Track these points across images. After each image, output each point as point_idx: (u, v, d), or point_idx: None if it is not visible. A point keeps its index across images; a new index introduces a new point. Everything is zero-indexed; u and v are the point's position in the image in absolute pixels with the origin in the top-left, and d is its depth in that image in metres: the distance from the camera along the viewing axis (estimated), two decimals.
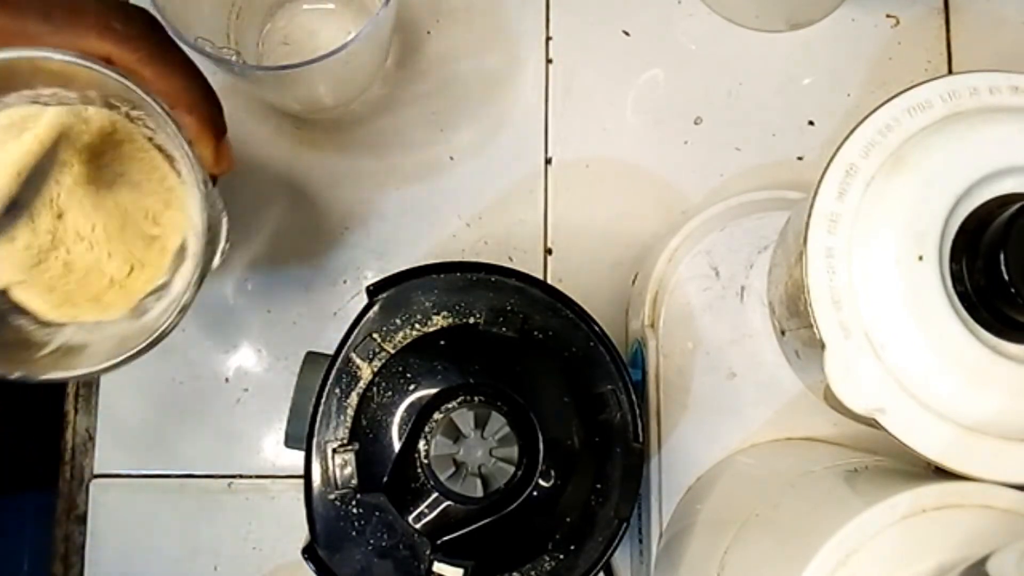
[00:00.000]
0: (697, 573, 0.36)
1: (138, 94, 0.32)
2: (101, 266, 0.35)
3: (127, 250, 0.35)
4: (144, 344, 0.32)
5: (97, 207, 0.34)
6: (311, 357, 0.36)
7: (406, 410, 0.34)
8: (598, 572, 0.35)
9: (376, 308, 0.35)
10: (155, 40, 0.33)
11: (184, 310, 0.33)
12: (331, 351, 0.35)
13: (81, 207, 0.34)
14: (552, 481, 0.34)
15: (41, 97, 0.33)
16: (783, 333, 0.36)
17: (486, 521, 0.33)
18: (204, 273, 0.33)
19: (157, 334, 0.32)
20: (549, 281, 0.46)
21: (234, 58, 0.45)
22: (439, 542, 0.33)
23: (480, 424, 0.33)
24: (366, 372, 0.35)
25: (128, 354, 0.32)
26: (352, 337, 0.35)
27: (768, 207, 0.42)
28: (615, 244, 0.48)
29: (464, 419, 0.33)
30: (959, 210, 0.29)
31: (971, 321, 0.28)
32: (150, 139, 0.35)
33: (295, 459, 0.35)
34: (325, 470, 0.34)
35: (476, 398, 0.34)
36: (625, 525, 0.34)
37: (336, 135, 0.48)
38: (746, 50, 0.49)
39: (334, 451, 0.34)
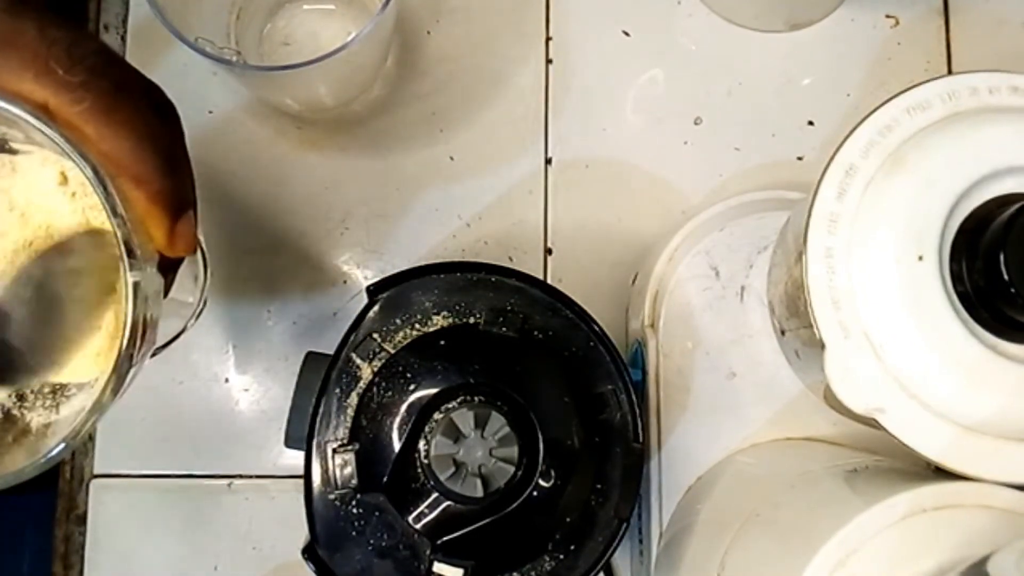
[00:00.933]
0: (697, 573, 0.36)
1: (75, 159, 0.25)
2: None
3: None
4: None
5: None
6: (311, 357, 0.36)
7: (406, 410, 0.34)
8: (598, 572, 0.35)
9: (376, 308, 0.35)
10: (104, 87, 0.27)
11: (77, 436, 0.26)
12: (331, 351, 0.35)
13: None
14: (552, 481, 0.34)
15: None
16: (783, 333, 0.36)
17: (486, 521, 0.33)
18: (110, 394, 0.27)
19: (43, 460, 0.26)
20: (549, 281, 0.46)
21: (234, 58, 0.45)
22: (439, 542, 0.33)
23: (480, 424, 0.33)
24: (366, 372, 0.35)
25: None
26: (352, 337, 0.35)
27: (768, 207, 0.42)
28: (615, 244, 0.48)
29: (464, 419, 0.33)
30: (959, 210, 0.29)
31: (971, 321, 0.28)
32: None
33: (295, 459, 0.35)
34: (325, 470, 0.34)
35: (476, 398, 0.34)
36: (625, 525, 0.35)
37: (336, 135, 0.48)
38: (746, 50, 0.49)
39: (334, 451, 0.34)
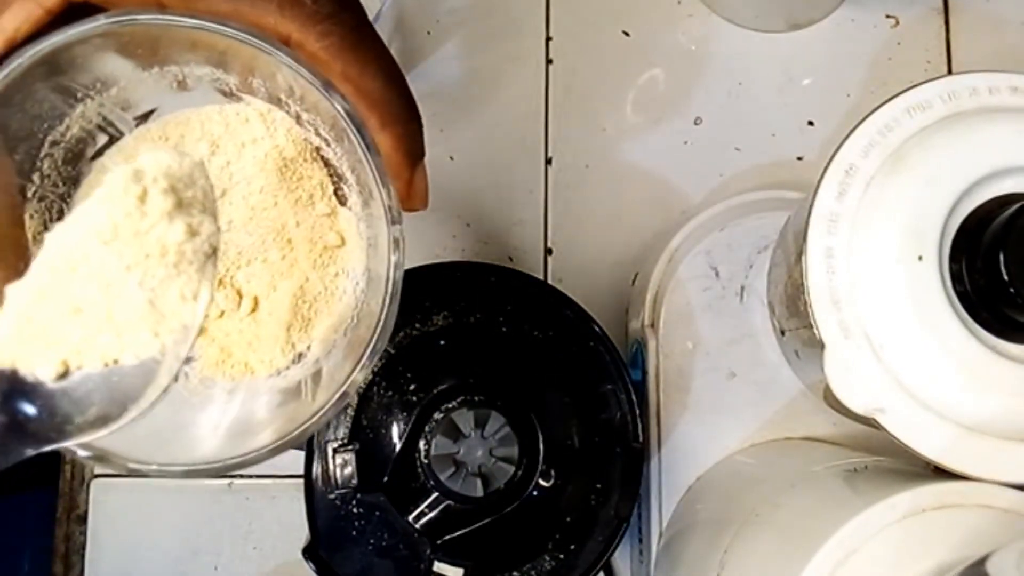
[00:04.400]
0: (697, 573, 0.36)
1: (323, 93, 0.23)
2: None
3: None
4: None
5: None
6: None
7: (406, 410, 0.34)
8: (598, 572, 0.35)
9: None
10: (351, 23, 0.25)
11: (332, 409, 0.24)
12: None
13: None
14: (552, 481, 0.34)
15: (189, 78, 0.26)
16: (783, 333, 0.36)
17: (486, 521, 0.33)
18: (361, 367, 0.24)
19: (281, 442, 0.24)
20: (549, 281, 0.46)
21: None
22: (439, 542, 0.33)
23: (480, 424, 0.33)
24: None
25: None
26: None
27: (768, 207, 0.42)
28: (615, 244, 0.48)
29: (464, 419, 0.33)
30: (959, 210, 0.29)
31: (971, 321, 0.28)
32: (318, 151, 0.27)
33: (295, 459, 0.35)
34: (326, 470, 0.34)
35: (476, 398, 0.34)
36: (625, 525, 0.35)
37: None
38: (746, 50, 0.49)
39: (334, 451, 0.34)
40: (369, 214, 0.26)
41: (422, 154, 0.28)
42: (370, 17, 0.38)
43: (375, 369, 0.35)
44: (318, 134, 0.26)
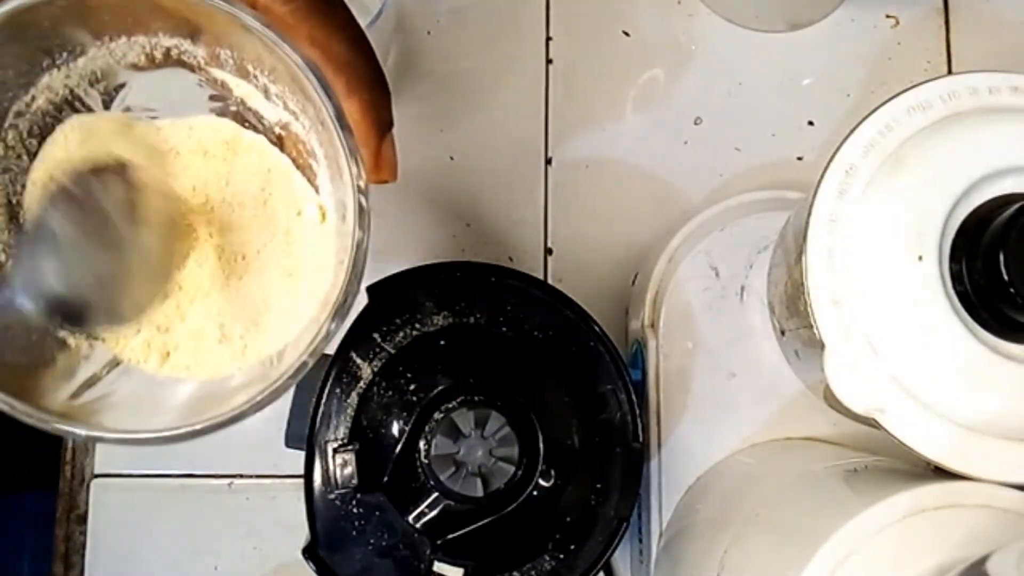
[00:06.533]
0: (697, 573, 0.36)
1: (290, 58, 0.23)
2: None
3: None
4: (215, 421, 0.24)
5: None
6: None
7: (406, 410, 0.34)
8: (598, 572, 0.35)
9: (376, 308, 0.35)
10: None
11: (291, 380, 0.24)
12: (331, 351, 0.35)
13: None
14: (552, 481, 0.34)
15: (157, 49, 0.25)
16: (783, 333, 0.36)
17: (486, 521, 0.33)
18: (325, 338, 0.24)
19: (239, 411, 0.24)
20: (549, 281, 0.46)
21: None
22: (439, 542, 0.33)
23: (480, 424, 0.33)
24: (366, 372, 0.35)
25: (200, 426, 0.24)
26: (352, 337, 0.35)
27: (768, 207, 0.42)
28: (615, 244, 0.48)
29: (464, 419, 0.33)
30: (959, 210, 0.29)
31: (971, 321, 0.28)
32: (283, 126, 0.27)
33: (295, 459, 0.35)
34: (325, 470, 0.34)
35: (476, 398, 0.34)
36: (625, 525, 0.35)
37: None
38: (746, 50, 0.49)
39: (334, 451, 0.34)
40: (338, 188, 0.25)
41: (390, 124, 0.27)
42: (370, 17, 0.38)
43: (375, 369, 0.35)
44: (287, 108, 0.26)
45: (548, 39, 0.49)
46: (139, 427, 0.24)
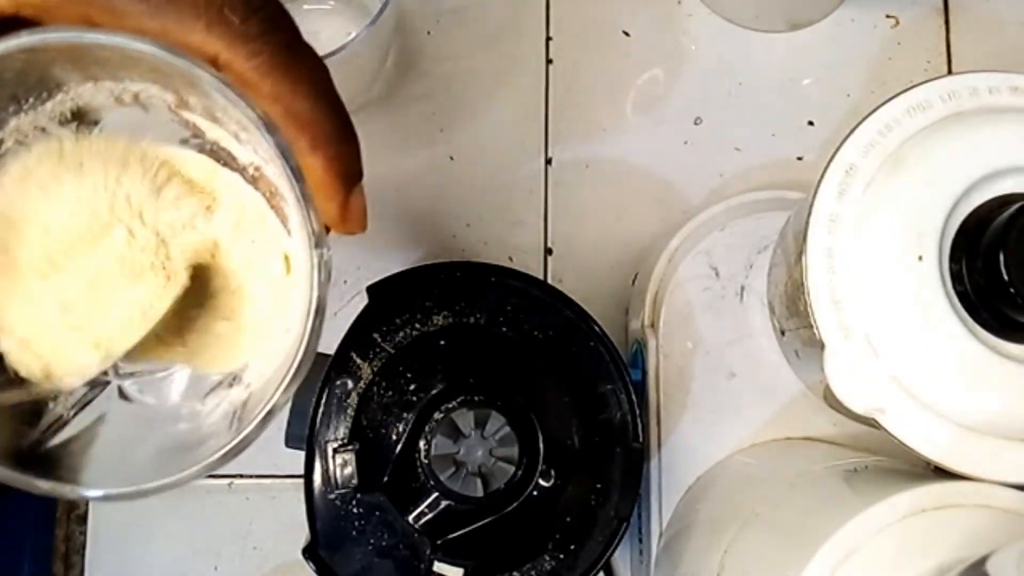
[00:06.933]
0: (697, 573, 0.36)
1: (251, 115, 0.22)
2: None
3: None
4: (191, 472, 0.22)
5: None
6: None
7: (406, 410, 0.34)
8: (598, 572, 0.35)
9: (376, 308, 0.35)
10: (282, 42, 0.24)
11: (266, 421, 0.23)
12: (331, 351, 0.35)
13: None
14: (552, 481, 0.34)
15: (125, 93, 0.25)
16: (783, 333, 0.36)
17: (486, 521, 0.33)
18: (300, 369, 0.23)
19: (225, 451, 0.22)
20: (549, 281, 0.46)
21: None
22: (439, 542, 0.33)
23: (480, 424, 0.33)
24: (366, 372, 0.35)
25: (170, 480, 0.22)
26: (352, 337, 0.35)
27: (768, 207, 0.42)
28: (615, 244, 0.48)
29: (464, 419, 0.33)
30: (959, 210, 0.29)
31: (971, 321, 0.28)
32: (255, 168, 0.26)
33: (295, 459, 0.35)
34: (325, 470, 0.34)
35: (476, 398, 0.34)
36: (625, 525, 0.35)
37: None
38: (746, 50, 0.49)
39: (334, 451, 0.34)
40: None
41: (359, 176, 0.27)
42: (370, 17, 0.38)
43: (375, 369, 0.35)
44: (256, 152, 0.25)
45: (548, 39, 0.49)
46: (107, 478, 0.23)
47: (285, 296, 0.27)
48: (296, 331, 0.24)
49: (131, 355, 0.27)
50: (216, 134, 0.26)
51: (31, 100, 0.25)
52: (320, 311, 0.23)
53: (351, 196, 0.26)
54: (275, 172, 0.25)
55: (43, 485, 0.22)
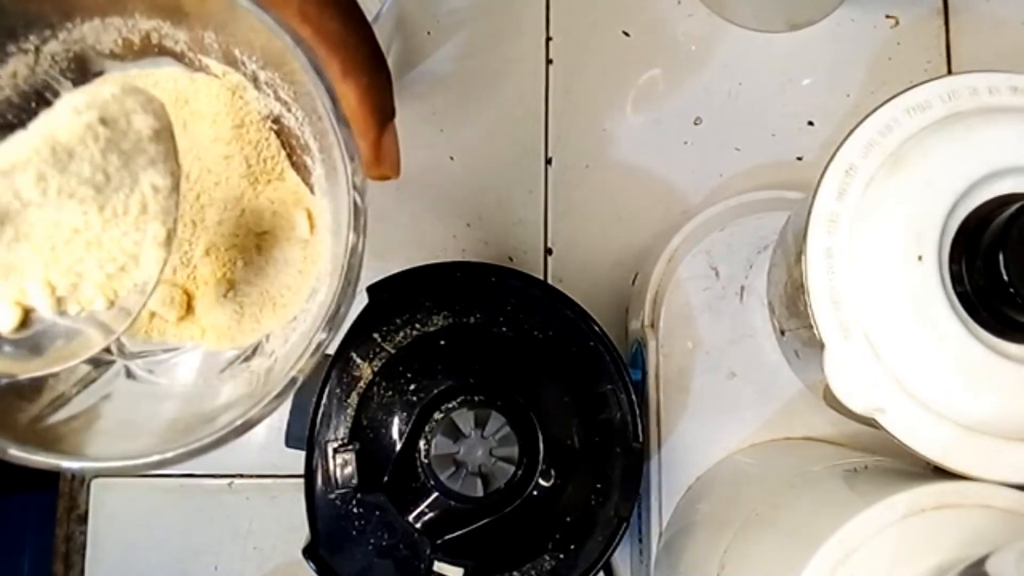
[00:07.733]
0: (697, 572, 0.36)
1: (277, 36, 0.20)
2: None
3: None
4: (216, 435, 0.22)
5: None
6: None
7: (406, 410, 0.34)
8: (598, 572, 0.35)
9: (376, 308, 0.35)
10: None
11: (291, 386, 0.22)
12: (331, 351, 0.35)
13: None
14: (552, 481, 0.34)
15: (134, 32, 0.23)
16: (783, 333, 0.36)
17: (486, 520, 0.33)
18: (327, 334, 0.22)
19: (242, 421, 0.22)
20: (549, 281, 0.46)
21: None
22: (439, 541, 0.33)
23: (480, 424, 0.33)
24: (366, 372, 0.35)
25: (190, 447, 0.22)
26: (352, 337, 0.35)
27: (768, 207, 0.42)
28: (615, 244, 0.48)
29: (464, 419, 0.33)
30: (959, 210, 0.29)
31: (971, 321, 0.28)
32: (274, 119, 0.24)
33: (296, 459, 0.35)
34: (326, 470, 0.34)
35: (476, 398, 0.34)
36: (625, 525, 0.35)
37: None
38: (746, 50, 0.49)
39: (335, 451, 0.34)
40: (335, 186, 0.23)
41: (392, 113, 0.24)
42: (370, 18, 0.38)
43: (375, 369, 0.35)
44: (277, 97, 0.24)
45: (548, 39, 0.49)
46: (112, 453, 0.22)
47: (311, 257, 0.25)
48: (323, 291, 0.22)
49: (146, 334, 0.26)
50: (231, 81, 0.24)
51: (31, 38, 0.23)
52: (358, 257, 0.21)
53: (384, 134, 0.24)
54: (299, 117, 0.23)
55: (39, 458, 0.21)
